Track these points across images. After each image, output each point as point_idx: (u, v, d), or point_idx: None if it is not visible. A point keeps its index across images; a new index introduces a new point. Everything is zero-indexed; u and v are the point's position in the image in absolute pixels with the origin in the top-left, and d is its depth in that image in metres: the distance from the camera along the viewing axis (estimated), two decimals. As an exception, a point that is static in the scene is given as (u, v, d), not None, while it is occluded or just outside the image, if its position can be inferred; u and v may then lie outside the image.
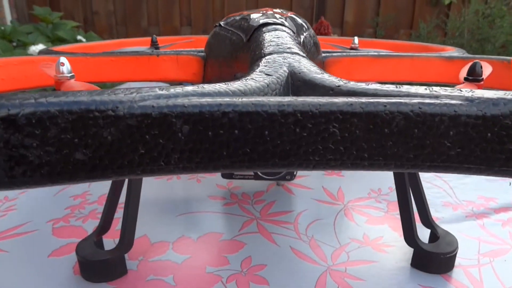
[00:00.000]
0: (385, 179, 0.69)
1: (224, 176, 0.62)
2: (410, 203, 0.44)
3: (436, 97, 0.21)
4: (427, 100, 0.20)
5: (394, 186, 0.64)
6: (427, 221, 0.47)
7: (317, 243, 0.49)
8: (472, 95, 0.20)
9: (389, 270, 0.44)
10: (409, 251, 0.47)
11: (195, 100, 0.20)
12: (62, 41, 2.20)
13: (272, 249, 0.48)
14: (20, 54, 1.92)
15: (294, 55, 0.33)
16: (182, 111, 0.19)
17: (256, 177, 0.63)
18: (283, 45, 0.37)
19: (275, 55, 0.32)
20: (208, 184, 0.65)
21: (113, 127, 0.19)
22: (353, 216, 0.56)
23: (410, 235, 0.44)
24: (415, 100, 0.20)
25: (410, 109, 0.19)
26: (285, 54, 0.32)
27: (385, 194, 0.63)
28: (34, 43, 2.05)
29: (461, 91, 0.21)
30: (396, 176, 0.45)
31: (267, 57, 0.32)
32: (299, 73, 0.28)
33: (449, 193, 0.64)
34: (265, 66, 0.29)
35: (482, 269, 0.44)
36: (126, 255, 0.45)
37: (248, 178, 0.63)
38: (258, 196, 0.61)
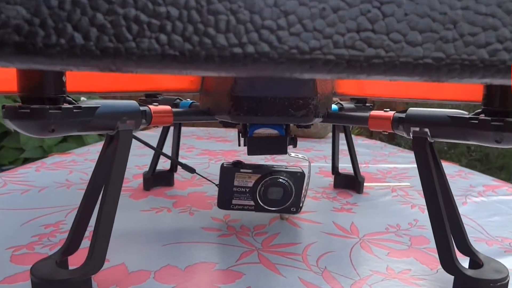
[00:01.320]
0: (403, 216, 0.61)
1: (221, 206, 0.54)
2: (446, 225, 0.37)
3: None
4: None
5: (414, 222, 0.56)
6: (466, 247, 0.39)
7: (331, 274, 0.40)
8: None
9: (425, 305, 0.35)
10: (446, 282, 0.38)
11: None
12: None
13: (276, 280, 0.39)
14: None
15: None
16: None
17: (257, 208, 0.55)
18: None
19: None
20: (201, 217, 0.57)
21: None
22: (371, 249, 0.47)
23: (449, 261, 0.36)
24: None
25: None
26: None
27: (406, 229, 0.54)
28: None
29: None
30: (429, 199, 0.37)
31: None
32: None
33: (479, 229, 0.56)
34: None
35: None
36: (95, 284, 0.36)
37: (248, 209, 0.55)
38: (259, 229, 0.53)
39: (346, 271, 0.41)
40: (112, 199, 0.34)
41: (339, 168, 0.76)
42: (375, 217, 0.59)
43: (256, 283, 0.38)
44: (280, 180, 0.53)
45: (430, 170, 0.37)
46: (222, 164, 0.53)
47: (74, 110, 0.31)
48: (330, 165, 1.01)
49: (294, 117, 0.40)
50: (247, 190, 0.54)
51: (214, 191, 0.71)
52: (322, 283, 0.38)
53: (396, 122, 0.39)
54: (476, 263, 0.38)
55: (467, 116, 0.35)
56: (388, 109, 0.41)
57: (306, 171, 0.54)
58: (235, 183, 0.53)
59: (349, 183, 0.74)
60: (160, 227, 0.52)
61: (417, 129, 0.37)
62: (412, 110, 0.38)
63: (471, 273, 0.35)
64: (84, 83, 0.47)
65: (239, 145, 0.53)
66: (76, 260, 0.36)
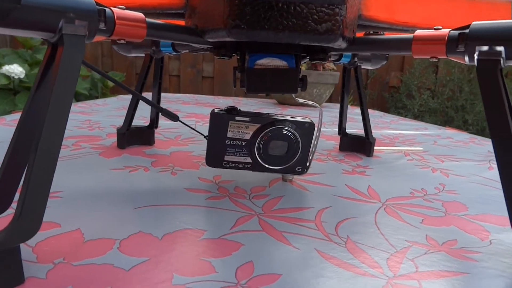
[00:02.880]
0: (427, 180, 0.51)
1: (210, 163, 0.43)
2: None
3: None
4: None
5: (441, 187, 0.47)
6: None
7: (357, 245, 0.30)
8: None
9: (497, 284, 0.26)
10: (508, 256, 0.28)
11: None
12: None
13: (286, 252, 0.29)
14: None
15: None
16: None
17: (255, 166, 0.45)
18: None
19: None
20: (186, 177, 0.46)
21: None
22: (400, 215, 0.38)
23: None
24: None
25: None
26: None
27: (434, 194, 0.45)
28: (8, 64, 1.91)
29: None
30: (501, 145, 0.27)
31: None
32: None
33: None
34: None
35: None
36: (34, 256, 0.26)
37: (243, 168, 0.45)
38: (258, 191, 0.43)
39: (376, 241, 0.31)
40: (52, 134, 0.23)
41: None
42: (394, 181, 0.49)
43: (259, 256, 0.28)
44: (285, 131, 0.42)
45: (502, 105, 0.26)
46: (213, 110, 0.42)
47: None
48: (330, 130, 0.91)
49: (314, 33, 0.29)
50: (243, 143, 0.43)
51: (201, 150, 0.60)
52: (347, 257, 0.28)
53: (453, 41, 0.29)
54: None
55: None
56: (439, 27, 0.31)
57: (315, 122, 0.43)
58: (229, 134, 0.43)
59: (358, 145, 0.64)
60: (134, 188, 0.41)
61: (486, 48, 0.27)
62: (477, 24, 0.28)
63: None
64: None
65: (235, 85, 0.42)
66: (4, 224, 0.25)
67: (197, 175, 0.47)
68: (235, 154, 0.43)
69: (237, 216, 0.35)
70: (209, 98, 1.58)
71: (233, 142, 0.43)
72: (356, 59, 0.56)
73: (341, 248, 0.30)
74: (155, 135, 0.65)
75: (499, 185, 0.50)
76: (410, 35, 0.31)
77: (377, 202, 0.41)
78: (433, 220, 0.37)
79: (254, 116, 0.42)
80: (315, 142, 0.44)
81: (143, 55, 0.56)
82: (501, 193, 0.47)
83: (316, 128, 0.44)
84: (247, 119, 0.42)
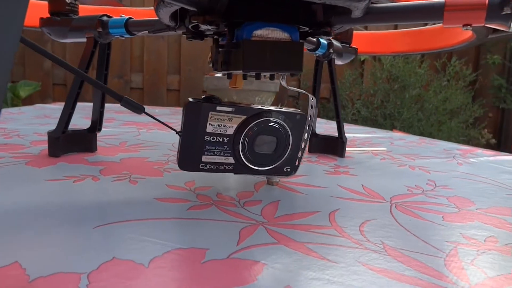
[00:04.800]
0: (413, 177, 0.48)
1: (184, 165, 0.35)
2: None
3: None
4: None
5: (432, 183, 0.44)
6: None
7: (401, 252, 0.24)
8: None
9: None
10: None
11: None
12: None
13: (328, 269, 0.22)
14: None
15: None
16: None
17: (238, 168, 0.37)
18: None
19: None
20: (151, 185, 0.37)
21: None
22: (418, 214, 0.33)
23: None
24: None
25: None
26: None
27: (431, 190, 0.41)
28: None
29: None
30: None
31: None
32: None
33: (505, 186, 0.45)
34: None
35: None
36: None
37: (224, 170, 0.37)
38: (246, 197, 0.35)
39: (415, 245, 0.26)
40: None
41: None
42: (382, 179, 0.45)
43: (294, 278, 0.20)
44: (272, 124, 0.36)
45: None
46: (188, 99, 0.34)
47: None
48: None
49: None
50: (225, 140, 0.35)
51: (158, 156, 0.50)
52: (399, 267, 0.22)
53: (496, 5, 0.25)
54: None
55: None
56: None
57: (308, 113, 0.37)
58: (208, 128, 0.35)
59: (329, 146, 0.60)
60: (86, 201, 0.31)
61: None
62: None
63: None
64: None
65: (214, 67, 0.35)
66: None
67: (163, 183, 0.38)
68: (215, 153, 0.35)
69: (237, 227, 0.27)
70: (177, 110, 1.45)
71: (213, 139, 0.35)
72: (331, 50, 0.51)
73: (385, 257, 0.24)
74: (98, 137, 0.54)
75: (481, 179, 0.48)
76: (440, 0, 0.27)
77: (383, 201, 0.36)
78: (453, 217, 0.32)
79: (238, 107, 0.35)
80: (306, 138, 0.38)
81: (84, 40, 0.45)
82: (490, 187, 0.45)
83: (307, 121, 0.38)
84: (230, 109, 0.35)
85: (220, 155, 0.36)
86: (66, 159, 0.45)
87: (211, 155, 0.35)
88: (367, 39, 0.74)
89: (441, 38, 0.66)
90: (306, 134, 0.38)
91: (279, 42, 0.29)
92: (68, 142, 0.48)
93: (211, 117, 0.34)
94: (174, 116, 1.13)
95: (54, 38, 0.47)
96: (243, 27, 0.29)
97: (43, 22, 0.45)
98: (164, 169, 0.43)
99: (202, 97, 0.34)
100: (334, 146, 0.59)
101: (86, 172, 0.40)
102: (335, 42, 0.53)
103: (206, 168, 0.36)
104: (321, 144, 0.60)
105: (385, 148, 0.71)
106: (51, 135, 0.46)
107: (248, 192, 0.36)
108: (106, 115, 0.82)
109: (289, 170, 0.39)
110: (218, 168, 0.36)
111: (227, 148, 0.36)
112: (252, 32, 0.28)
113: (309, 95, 0.37)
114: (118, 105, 0.34)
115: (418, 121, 2.19)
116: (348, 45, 0.56)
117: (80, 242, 0.23)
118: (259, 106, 0.36)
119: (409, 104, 2.23)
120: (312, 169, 0.49)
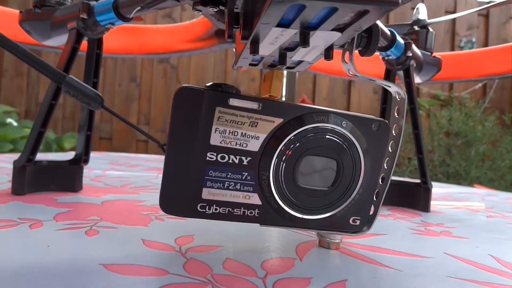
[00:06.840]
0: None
1: (168, 206, 0.19)
2: None
3: None
4: None
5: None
6: None
7: None
8: None
9: None
10: None
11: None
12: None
13: None
14: None
15: None
16: None
17: (268, 214, 0.21)
18: None
19: None
20: (118, 238, 0.22)
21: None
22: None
23: None
24: None
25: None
26: None
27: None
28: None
29: None
30: None
31: None
32: None
33: None
34: None
35: None
36: None
37: (242, 218, 0.21)
38: (279, 271, 0.18)
39: None
40: None
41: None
42: (504, 245, 0.27)
43: None
44: (331, 137, 0.20)
45: None
46: (180, 88, 0.19)
47: None
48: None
49: None
50: (245, 161, 0.20)
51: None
52: None
53: None
54: None
55: None
56: None
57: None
58: (213, 139, 0.19)
59: (403, 195, 0.42)
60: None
61: None
62: None
63: None
64: None
65: (229, 38, 0.20)
66: None
67: (141, 236, 0.22)
68: (225, 185, 0.20)
69: None
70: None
71: (222, 158, 0.20)
72: (409, 53, 0.35)
73: None
74: (86, 180, 0.40)
75: None
76: None
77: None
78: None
79: (269, 102, 0.20)
80: (390, 164, 0.22)
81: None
82: None
83: (391, 132, 0.22)
84: (254, 105, 0.19)
85: (235, 189, 0.20)
86: (29, 198, 0.31)
87: (218, 188, 0.20)
88: (449, 61, 0.58)
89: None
90: (389, 159, 0.22)
91: None
92: (40, 176, 0.34)
93: (219, 118, 0.19)
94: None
95: (36, 39, 0.35)
96: None
97: (22, 16, 0.35)
98: (157, 216, 0.28)
99: (207, 84, 0.19)
100: (412, 195, 0.41)
101: (36, 215, 0.26)
102: (414, 48, 0.37)
103: (210, 212, 0.20)
104: (391, 192, 0.42)
105: (483, 204, 0.51)
106: (17, 165, 0.33)
107: (285, 260, 0.20)
108: (143, 163, 0.69)
109: (358, 222, 0.22)
110: (231, 213, 0.20)
111: (248, 177, 0.20)
112: None
113: (396, 87, 0.22)
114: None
115: (489, 181, 1.91)
116: (430, 54, 0.41)
117: None
118: (305, 104, 0.20)
119: (477, 161, 1.98)
120: (390, 225, 0.31)
